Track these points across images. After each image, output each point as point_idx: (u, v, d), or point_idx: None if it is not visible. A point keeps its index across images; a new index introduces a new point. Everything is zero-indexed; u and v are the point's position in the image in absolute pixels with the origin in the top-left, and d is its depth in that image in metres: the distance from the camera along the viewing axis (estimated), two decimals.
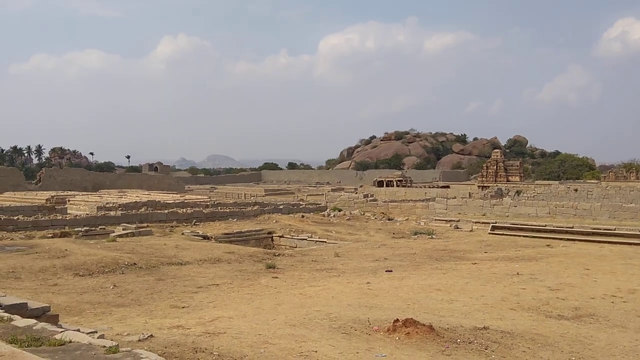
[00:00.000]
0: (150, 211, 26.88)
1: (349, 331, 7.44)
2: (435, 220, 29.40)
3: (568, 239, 21.94)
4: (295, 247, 22.71)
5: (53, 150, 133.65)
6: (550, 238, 22.28)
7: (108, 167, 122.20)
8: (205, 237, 21.82)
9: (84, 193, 46.98)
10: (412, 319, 7.46)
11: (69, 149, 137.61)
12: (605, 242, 21.01)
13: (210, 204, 32.24)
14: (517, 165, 68.59)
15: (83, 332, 5.73)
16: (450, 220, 28.40)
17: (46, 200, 37.37)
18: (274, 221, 27.72)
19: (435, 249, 19.28)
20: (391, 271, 14.09)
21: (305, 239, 23.34)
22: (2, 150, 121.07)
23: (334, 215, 31.20)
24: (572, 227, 23.53)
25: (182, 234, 22.24)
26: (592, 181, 56.94)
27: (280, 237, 24.60)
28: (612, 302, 10.04)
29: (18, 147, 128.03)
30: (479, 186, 61.85)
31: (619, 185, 43.76)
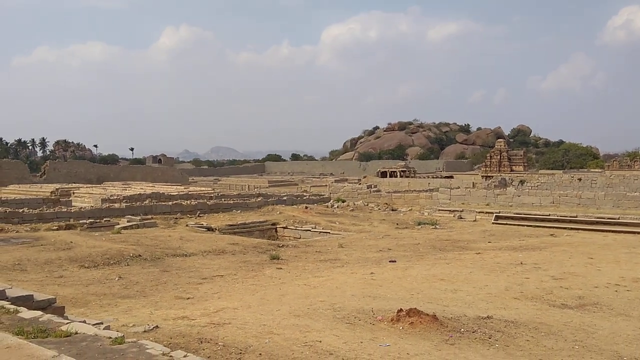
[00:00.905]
0: (155, 203, 26.91)
1: (353, 321, 7.47)
2: (439, 210, 29.38)
3: (572, 228, 21.91)
4: (299, 238, 22.73)
5: (57, 142, 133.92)
6: (554, 227, 22.24)
7: (112, 160, 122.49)
8: (209, 229, 21.85)
9: (88, 185, 47.11)
10: (415, 308, 7.47)
11: (73, 142, 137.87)
12: (609, 231, 20.97)
13: (214, 195, 32.26)
14: (521, 155, 68.43)
15: (89, 324, 5.77)
16: (453, 211, 28.37)
17: (51, 192, 37.48)
18: (278, 212, 27.73)
19: (438, 239, 19.27)
20: (395, 261, 14.10)
21: (309, 230, 23.36)
22: (7, 143, 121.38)
23: (337, 206, 31.19)
24: (576, 217, 23.48)
25: (187, 225, 22.28)
26: (596, 170, 56.72)
27: (284, 228, 24.62)
28: (616, 291, 10.03)
29: (22, 140, 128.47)
30: (482, 176, 61.72)
31: (623, 174, 43.60)
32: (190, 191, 35.80)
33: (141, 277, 11.94)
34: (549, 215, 24.31)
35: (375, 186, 42.11)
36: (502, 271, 12.08)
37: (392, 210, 30.81)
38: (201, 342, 6.15)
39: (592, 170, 58.00)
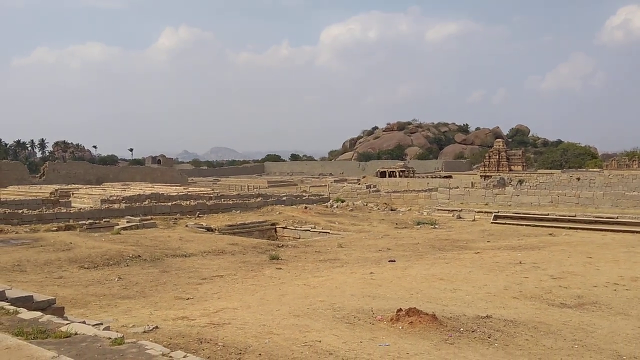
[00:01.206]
0: (154, 204, 26.92)
1: (353, 321, 7.47)
2: (438, 210, 29.39)
3: (570, 228, 21.92)
4: (299, 238, 22.75)
5: (56, 143, 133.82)
6: (552, 227, 22.25)
7: (111, 160, 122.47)
8: (208, 229, 21.86)
9: (87, 186, 47.08)
10: (415, 308, 7.47)
11: (72, 143, 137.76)
12: (607, 230, 20.98)
13: (213, 196, 32.26)
14: (520, 155, 68.44)
15: (89, 324, 5.77)
16: (452, 210, 28.38)
17: (50, 193, 37.45)
18: (277, 212, 27.74)
19: (438, 238, 19.28)
20: (394, 261, 14.10)
21: (309, 230, 23.37)
22: (6, 145, 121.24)
23: (336, 206, 31.20)
24: (575, 216, 23.50)
25: (186, 226, 22.28)
26: (595, 170, 56.72)
27: (283, 228, 24.63)
28: (615, 290, 10.03)
29: (21, 141, 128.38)
30: (481, 176, 61.73)
31: (621, 173, 43.61)
32: (189, 192, 35.78)
33: (141, 278, 11.93)
34: (548, 214, 24.32)
35: (375, 186, 42.10)
36: (501, 270, 12.09)
37: (391, 210, 30.81)
38: (201, 342, 6.15)
39: (590, 169, 58.01)
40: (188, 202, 27.71)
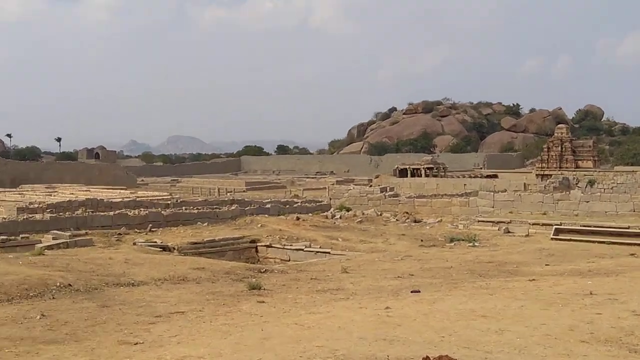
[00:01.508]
0: (90, 213, 26.98)
1: None
2: (479, 221, 29.46)
3: None
4: (289, 260, 22.82)
5: None
6: (635, 244, 22.30)
7: (32, 154, 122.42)
8: (165, 248, 21.93)
9: None
10: (447, 356, 7.49)
11: None
12: None
13: (171, 203, 32.34)
14: (590, 146, 68.70)
15: None
16: (498, 222, 28.46)
17: None
18: (259, 225, 27.77)
19: (478, 260, 19.33)
20: (419, 291, 14.13)
21: (302, 250, 23.43)
22: None
23: (340, 217, 31.26)
24: None
25: (134, 243, 22.32)
26: None
27: (267, 247, 24.70)
28: None
29: None
30: (537, 175, 61.99)
31: None
32: (138, 197, 35.91)
33: (72, 315, 11.93)
34: (628, 227, 24.37)
35: (392, 189, 42.22)
36: (565, 304, 12.12)
37: (415, 221, 30.88)
38: None
39: None
40: (137, 212, 27.75)
